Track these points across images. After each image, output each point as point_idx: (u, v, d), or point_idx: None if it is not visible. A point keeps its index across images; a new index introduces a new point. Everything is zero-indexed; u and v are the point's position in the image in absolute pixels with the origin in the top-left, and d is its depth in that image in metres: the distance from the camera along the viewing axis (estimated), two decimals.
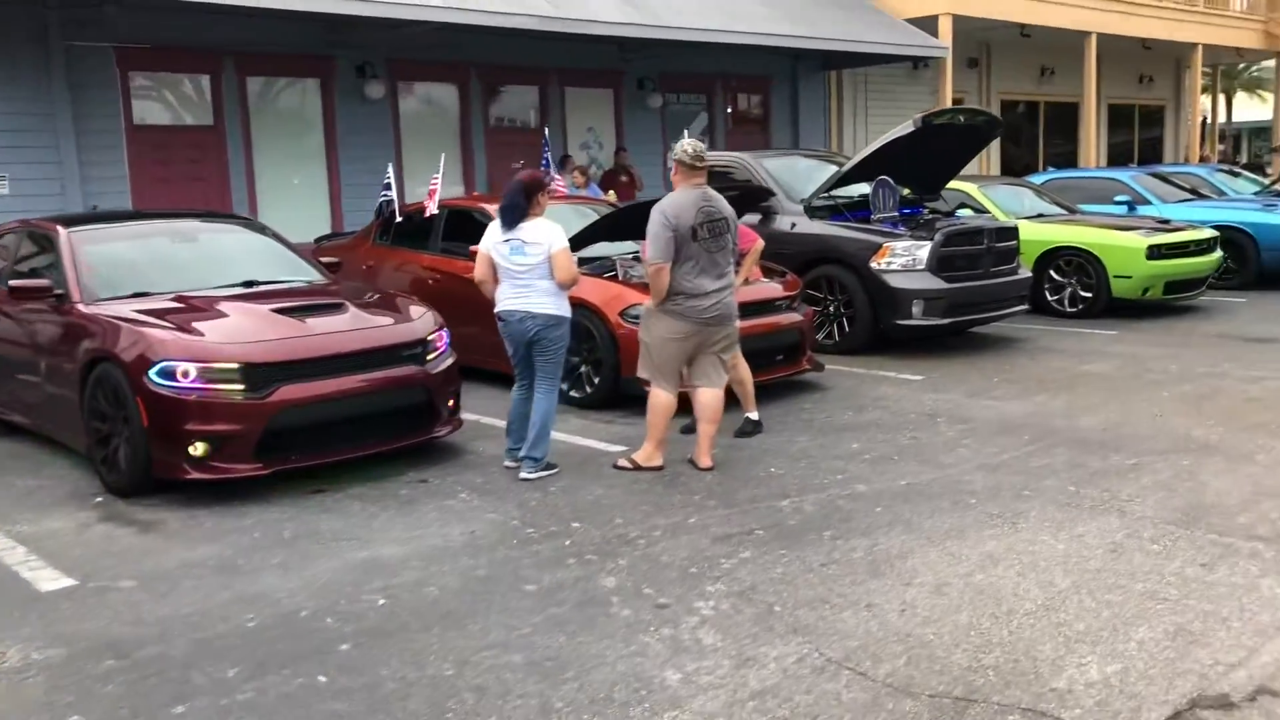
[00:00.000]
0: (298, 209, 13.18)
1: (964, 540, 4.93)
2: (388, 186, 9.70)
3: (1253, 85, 48.92)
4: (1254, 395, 7.62)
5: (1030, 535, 4.98)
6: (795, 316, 8.12)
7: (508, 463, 6.23)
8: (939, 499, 5.53)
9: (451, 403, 6.56)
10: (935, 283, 9.33)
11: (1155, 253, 11.14)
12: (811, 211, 10.00)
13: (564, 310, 6.00)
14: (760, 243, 7.26)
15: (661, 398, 6.12)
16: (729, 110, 18.29)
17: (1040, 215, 12.28)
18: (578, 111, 15.98)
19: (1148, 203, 14.01)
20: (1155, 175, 15.26)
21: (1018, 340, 10.21)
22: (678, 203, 6.01)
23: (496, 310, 6.07)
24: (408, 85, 14.24)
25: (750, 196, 9.18)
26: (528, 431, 6.03)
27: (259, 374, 5.69)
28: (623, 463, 6.21)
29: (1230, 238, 13.28)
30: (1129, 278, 11.17)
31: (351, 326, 6.17)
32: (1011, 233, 10.07)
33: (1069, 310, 11.55)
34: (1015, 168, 23.53)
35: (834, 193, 10.23)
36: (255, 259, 7.22)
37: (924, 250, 9.34)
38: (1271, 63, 29.35)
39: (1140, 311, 11.50)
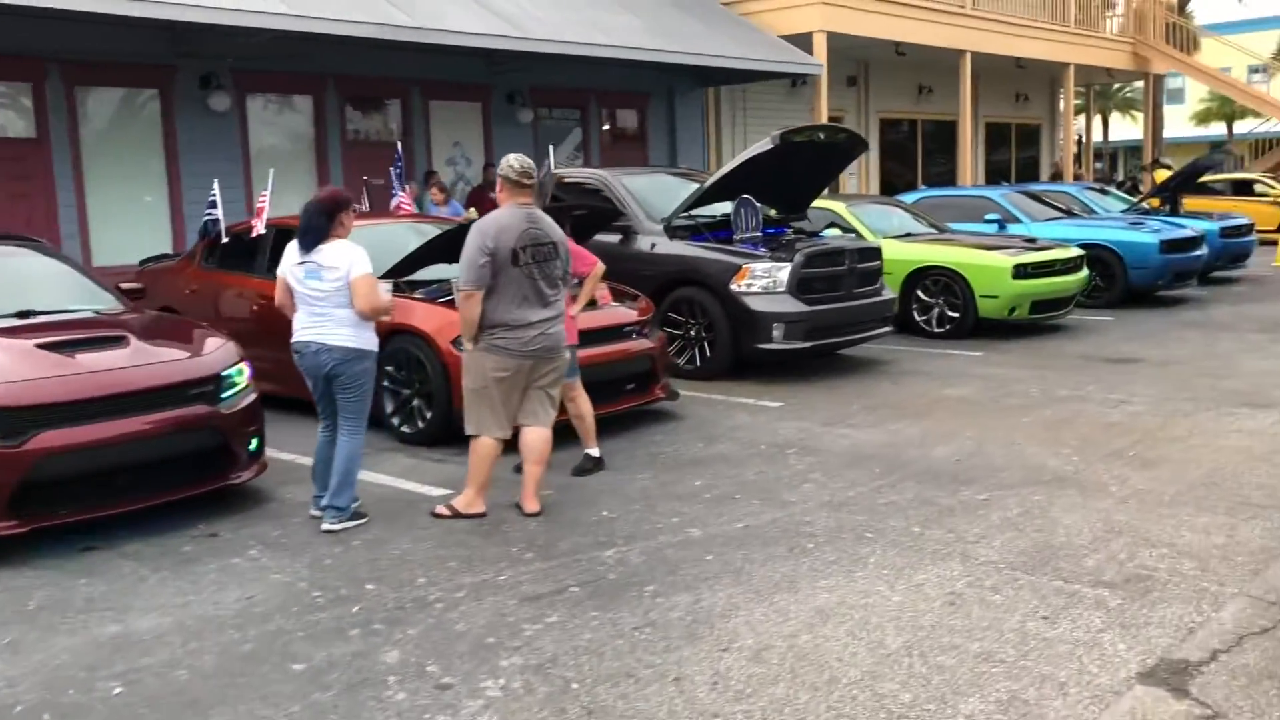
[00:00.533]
0: (135, 229, 12.33)
1: (795, 593, 4.50)
2: (213, 205, 9.00)
3: (1126, 105, 50.67)
4: (1113, 420, 7.41)
5: (866, 585, 4.57)
6: (646, 343, 7.66)
7: (313, 511, 5.63)
8: (775, 544, 5.10)
9: (254, 444, 5.92)
10: (796, 305, 8.99)
11: (1021, 272, 11.01)
12: (672, 232, 9.60)
13: (366, 343, 5.43)
14: (600, 266, 6.79)
15: (484, 440, 5.59)
16: (605, 127, 17.90)
17: (908, 234, 12.10)
18: (444, 126, 15.39)
19: (1018, 221, 13.98)
20: (1026, 194, 15.29)
21: (882, 363, 9.94)
22: (500, 223, 5.50)
23: (291, 340, 5.47)
24: (257, 97, 13.48)
25: (597, 218, 8.72)
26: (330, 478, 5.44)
27: (11, 419, 5.00)
28: (441, 510, 5.66)
29: (1098, 256, 13.31)
30: (995, 297, 11.02)
31: (131, 363, 5.51)
32: (874, 253, 9.81)
33: (936, 331, 11.36)
34: (897, 185, 23.66)
35: (695, 212, 9.85)
36: (38, 285, 6.49)
37: (784, 272, 8.99)
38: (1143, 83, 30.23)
39: (1008, 331, 11.37)
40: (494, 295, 5.42)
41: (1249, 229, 16.01)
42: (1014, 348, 10.60)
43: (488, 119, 15.83)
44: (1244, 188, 23.57)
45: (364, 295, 5.30)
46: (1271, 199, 22.78)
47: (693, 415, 7.95)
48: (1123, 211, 16.14)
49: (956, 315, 11.24)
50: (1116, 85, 41.42)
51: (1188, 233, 13.66)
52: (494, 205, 5.74)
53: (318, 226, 5.36)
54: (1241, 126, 47.68)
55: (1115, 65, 26.02)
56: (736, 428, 7.53)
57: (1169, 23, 27.40)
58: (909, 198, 15.33)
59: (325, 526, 5.40)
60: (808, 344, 9.05)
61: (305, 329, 5.40)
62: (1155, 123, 35.01)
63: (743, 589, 4.56)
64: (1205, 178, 22.32)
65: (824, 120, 17.69)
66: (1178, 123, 55.42)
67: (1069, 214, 14.77)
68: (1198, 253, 13.69)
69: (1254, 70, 40.22)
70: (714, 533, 5.30)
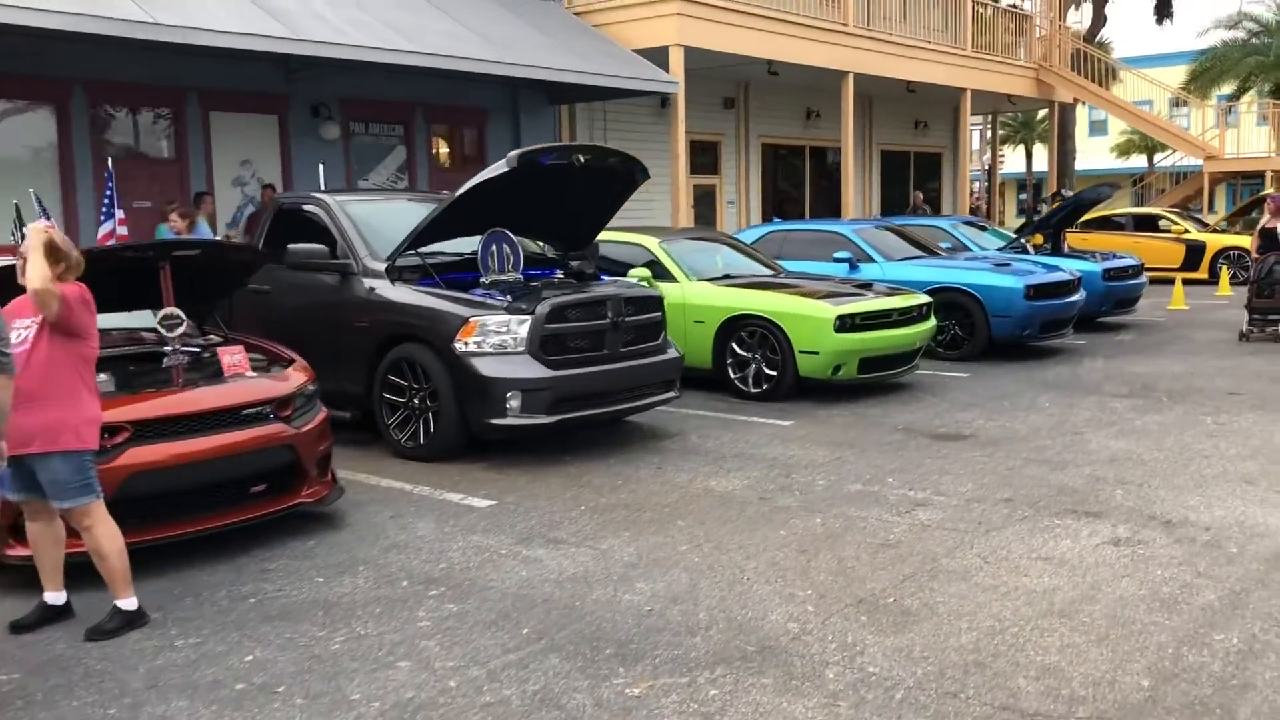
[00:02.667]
0: None
1: None
2: None
3: (1049, 136, 49.96)
4: (892, 538, 5.64)
5: None
6: (283, 428, 5.69)
7: None
8: None
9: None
10: (537, 369, 7.15)
11: (846, 324, 9.29)
12: (395, 274, 7.72)
13: None
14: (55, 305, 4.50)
15: None
16: (435, 145, 16.03)
17: (727, 276, 10.33)
18: (229, 141, 13.42)
19: (871, 260, 12.32)
20: (889, 229, 13.65)
21: (666, 436, 8.14)
22: None
23: None
24: None
25: (220, 259, 6.72)
26: None
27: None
28: None
29: (956, 301, 11.68)
30: (815, 354, 9.28)
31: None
32: (652, 303, 8.00)
33: (753, 391, 9.60)
34: (787, 216, 22.08)
35: (434, 249, 8.00)
36: None
37: (523, 326, 7.16)
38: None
39: (837, 392, 9.65)
40: None
41: (1137, 270, 14.52)
42: (834, 415, 8.86)
43: (285, 134, 13.88)
44: (1148, 223, 22.30)
45: None
46: (1174, 235, 21.52)
47: (358, 521, 6.05)
48: (1000, 248, 14.60)
49: (775, 373, 9.49)
50: (1042, 115, 40.37)
51: (1060, 276, 12.08)
52: None
53: None
54: (1165, 160, 47.22)
55: (1017, 92, 24.73)
56: (401, 545, 5.65)
57: (1077, 51, 26.24)
58: (756, 231, 13.64)
59: None
60: (552, 418, 7.21)
61: None
62: (1063, 154, 34.03)
63: None
64: (1099, 211, 21.04)
65: (682, 142, 16.01)
66: (1100, 155, 55.09)
67: (932, 252, 13.15)
68: (1072, 298, 12.11)
69: (1175, 104, 39.41)
70: None
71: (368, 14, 12.89)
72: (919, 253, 12.98)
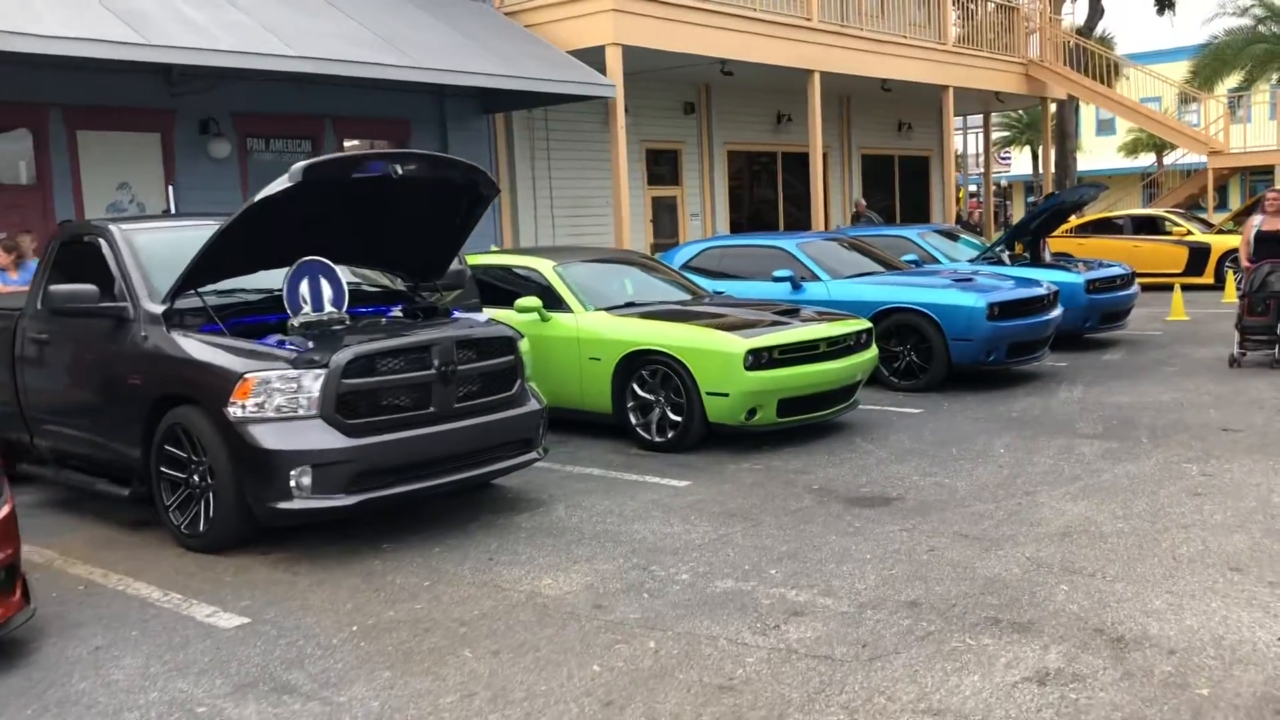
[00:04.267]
0: None
1: None
2: None
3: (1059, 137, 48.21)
4: (737, 677, 4.14)
5: None
6: None
7: None
8: None
9: None
10: (332, 437, 5.68)
11: (760, 360, 7.78)
12: (175, 318, 6.26)
13: None
14: None
15: None
16: None
17: (631, 304, 8.84)
18: (102, 162, 12.03)
19: (816, 279, 10.83)
20: (841, 241, 12.15)
21: (522, 508, 6.64)
22: None
23: None
24: None
25: None
26: None
27: None
28: None
29: (910, 324, 10.16)
30: (725, 395, 7.78)
31: None
32: (501, 345, 6.51)
33: (658, 440, 8.11)
34: (761, 226, 20.61)
35: (230, 286, 6.55)
36: None
37: (316, 383, 5.69)
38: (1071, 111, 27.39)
39: (759, 439, 8.16)
40: None
41: (1127, 280, 12.95)
42: (743, 470, 7.36)
43: (169, 153, 12.50)
44: (1148, 225, 20.69)
45: None
46: (1176, 237, 19.92)
47: (46, 655, 4.58)
48: (971, 260, 13.07)
49: (681, 419, 8.00)
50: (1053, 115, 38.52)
51: (1031, 291, 10.54)
52: None
53: None
54: (1175, 159, 45.43)
55: (1005, 89, 23.17)
56: (73, 699, 4.18)
57: (1074, 46, 24.65)
58: (693, 248, 12.15)
59: None
60: (354, 499, 5.73)
61: None
62: (1063, 154, 32.43)
63: None
64: (1098, 213, 19.50)
65: (622, 150, 14.55)
66: (1108, 154, 53.33)
67: (891, 267, 11.63)
68: (1046, 316, 10.57)
69: (1184, 101, 37.68)
70: None
71: (249, 16, 11.50)
72: (877, 268, 11.47)
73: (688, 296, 9.39)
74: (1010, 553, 5.41)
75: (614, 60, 14.50)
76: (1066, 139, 31.86)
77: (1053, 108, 26.93)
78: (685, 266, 11.77)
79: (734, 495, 6.75)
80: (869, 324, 8.88)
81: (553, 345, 8.59)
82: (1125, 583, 4.93)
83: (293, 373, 5.68)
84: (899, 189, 24.85)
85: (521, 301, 8.56)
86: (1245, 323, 10.81)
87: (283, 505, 5.64)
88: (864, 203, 21.34)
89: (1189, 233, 19.79)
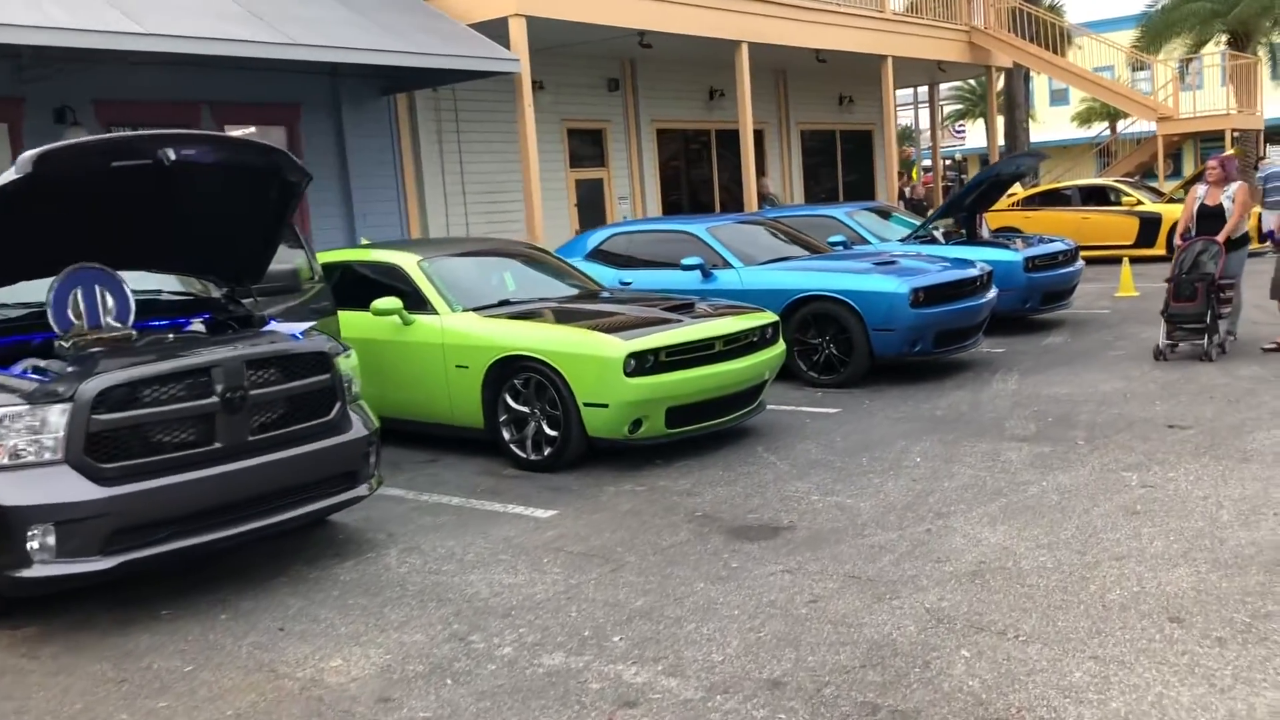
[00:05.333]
0: None
1: None
2: None
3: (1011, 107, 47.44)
4: None
5: None
6: None
7: None
8: None
9: None
10: (82, 486, 4.62)
11: (643, 364, 6.78)
12: None
13: None
14: None
15: None
16: None
17: (505, 303, 7.81)
18: None
19: (728, 265, 9.85)
20: (759, 223, 11.17)
21: (352, 551, 5.61)
22: None
23: None
24: None
25: None
26: None
27: None
28: None
29: (829, 313, 9.21)
30: (604, 406, 6.78)
31: None
32: (311, 363, 5.46)
33: (533, 458, 7.10)
34: (697, 206, 19.61)
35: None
36: None
37: (61, 419, 4.63)
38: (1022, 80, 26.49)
39: (649, 451, 7.17)
40: None
41: (1070, 255, 12.05)
42: (621, 494, 6.37)
43: (17, 145, 11.28)
44: (1097, 195, 19.87)
45: None
46: (1126, 208, 19.11)
47: None
48: (902, 240, 12.13)
49: (558, 434, 7.00)
50: (1001, 85, 37.44)
51: (962, 273, 9.61)
52: None
53: None
54: (1130, 127, 44.75)
55: (948, 58, 22.24)
56: None
57: (1018, 11, 23.70)
58: (600, 234, 11.11)
59: None
60: (112, 561, 4.67)
61: None
62: (1012, 124, 31.62)
63: None
64: (1041, 185, 18.66)
65: (530, 129, 13.47)
66: (1062, 124, 52.70)
67: (815, 251, 10.66)
68: (977, 300, 9.63)
69: (1136, 68, 36.89)
70: None
71: None
72: (800, 252, 10.50)
73: (575, 291, 8.37)
74: (907, 602, 4.45)
75: (518, 32, 13.39)
76: (1016, 109, 31.04)
77: (1001, 79, 26.10)
78: (592, 255, 10.77)
79: (602, 528, 5.76)
80: (774, 317, 7.90)
81: (416, 352, 7.56)
82: (1041, 644, 3.99)
83: (25, 409, 4.61)
84: (841, 166, 23.93)
85: (379, 303, 7.51)
86: (1172, 310, 9.35)
87: (22, 574, 4.58)
88: (767, 182, 19.47)
89: (1139, 202, 18.99)
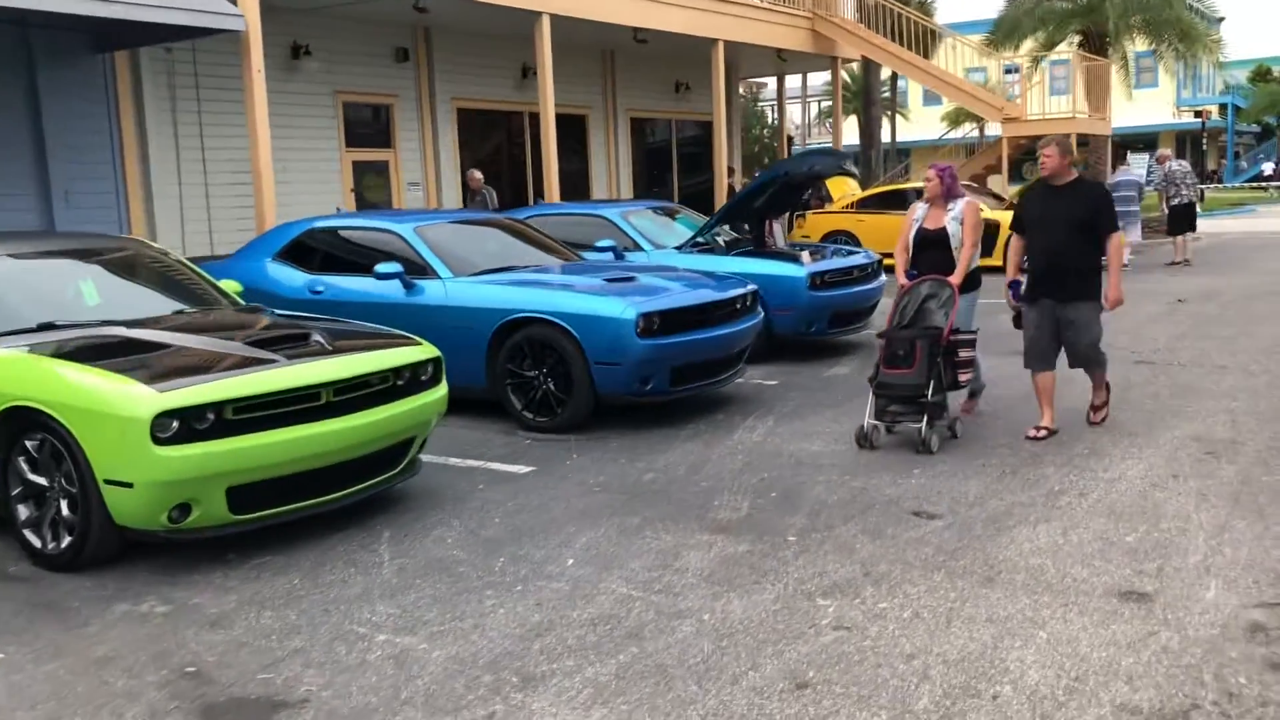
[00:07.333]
0: None
1: None
2: None
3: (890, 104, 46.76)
4: None
5: None
6: None
7: None
8: None
9: None
10: None
11: (191, 426, 4.79)
12: None
13: None
14: None
15: None
16: None
17: (49, 326, 5.73)
18: None
19: (435, 275, 7.94)
20: (491, 222, 9.29)
21: None
22: None
23: None
24: None
25: None
26: None
27: None
28: None
29: (547, 339, 7.37)
30: (128, 486, 4.79)
31: None
32: None
33: (49, 550, 5.07)
34: (517, 198, 17.63)
35: None
36: None
37: None
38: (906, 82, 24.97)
39: (217, 546, 5.22)
40: None
41: (869, 271, 10.46)
42: (131, 616, 4.41)
43: None
44: None
45: None
46: None
47: None
48: (678, 248, 10.38)
49: (76, 523, 4.98)
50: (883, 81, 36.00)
51: (714, 294, 7.87)
52: None
53: None
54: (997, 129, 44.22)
55: (788, 46, 20.71)
56: None
57: (878, 5, 22.24)
58: (286, 232, 9.07)
59: None
60: None
61: None
62: (867, 121, 30.51)
63: None
64: (893, 185, 17.24)
65: (256, 103, 11.34)
66: (934, 124, 52.21)
67: (565, 259, 8.81)
68: (735, 326, 7.90)
69: (1007, 71, 36.04)
70: None
71: None
72: (543, 259, 8.65)
73: (178, 308, 6.34)
74: None
75: None
76: (871, 106, 29.92)
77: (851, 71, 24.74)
78: (283, 254, 8.76)
79: (46, 690, 3.79)
80: (434, 352, 6.00)
81: None
82: None
83: None
84: (677, 158, 22.24)
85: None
86: (883, 378, 6.72)
87: None
88: (479, 175, 15.21)
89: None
